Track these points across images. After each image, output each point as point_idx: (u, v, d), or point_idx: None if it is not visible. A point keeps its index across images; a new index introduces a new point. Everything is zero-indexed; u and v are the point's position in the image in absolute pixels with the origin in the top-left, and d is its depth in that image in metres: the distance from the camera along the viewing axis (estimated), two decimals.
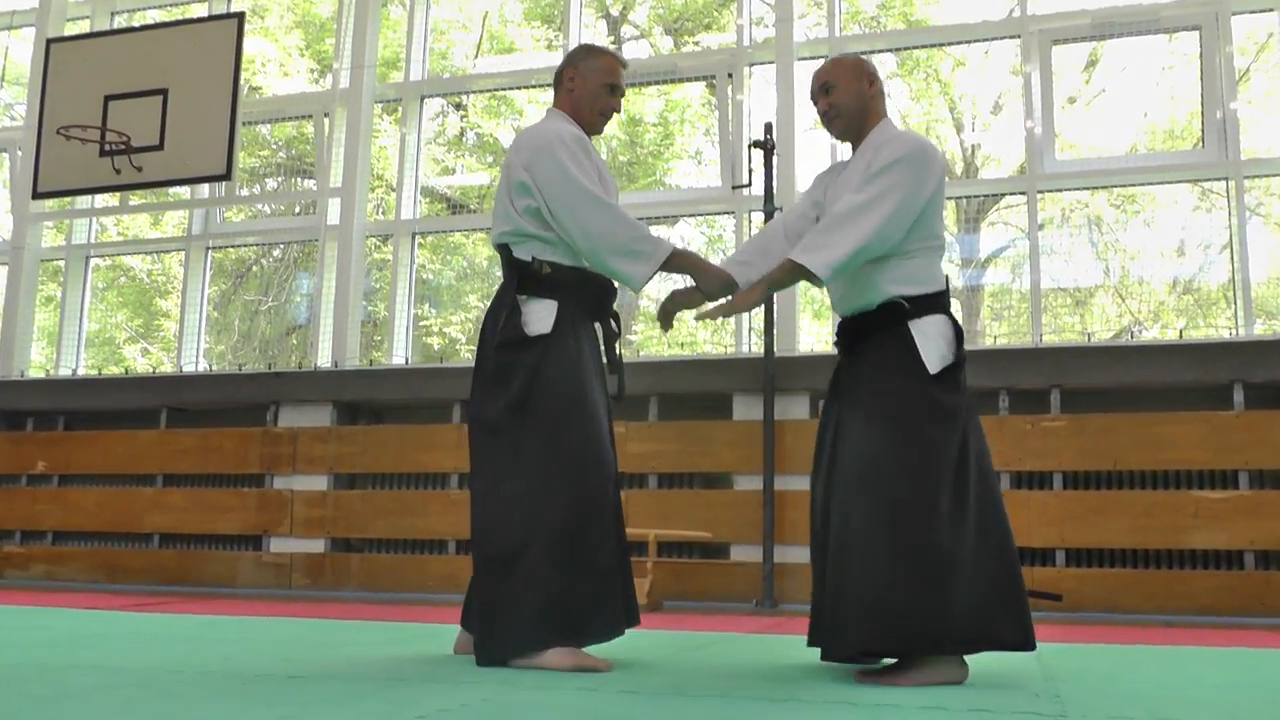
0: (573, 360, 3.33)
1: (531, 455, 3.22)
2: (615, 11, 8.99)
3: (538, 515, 3.16)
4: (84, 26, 8.96)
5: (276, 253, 8.97)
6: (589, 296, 3.46)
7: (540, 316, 3.30)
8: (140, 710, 2.30)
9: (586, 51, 3.56)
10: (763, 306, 6.68)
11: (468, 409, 3.45)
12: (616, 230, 3.26)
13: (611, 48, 3.74)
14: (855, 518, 3.02)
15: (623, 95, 3.59)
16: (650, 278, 3.31)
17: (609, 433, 3.41)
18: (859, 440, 3.14)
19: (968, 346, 6.43)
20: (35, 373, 8.57)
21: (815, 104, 3.50)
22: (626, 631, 3.28)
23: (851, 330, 3.40)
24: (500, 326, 3.31)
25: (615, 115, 3.58)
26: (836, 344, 3.54)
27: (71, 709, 2.30)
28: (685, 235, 8.37)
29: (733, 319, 7.35)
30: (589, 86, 3.48)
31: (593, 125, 3.51)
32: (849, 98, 3.39)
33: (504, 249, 3.40)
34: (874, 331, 3.28)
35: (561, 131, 3.36)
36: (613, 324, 3.60)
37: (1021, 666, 3.35)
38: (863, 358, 3.32)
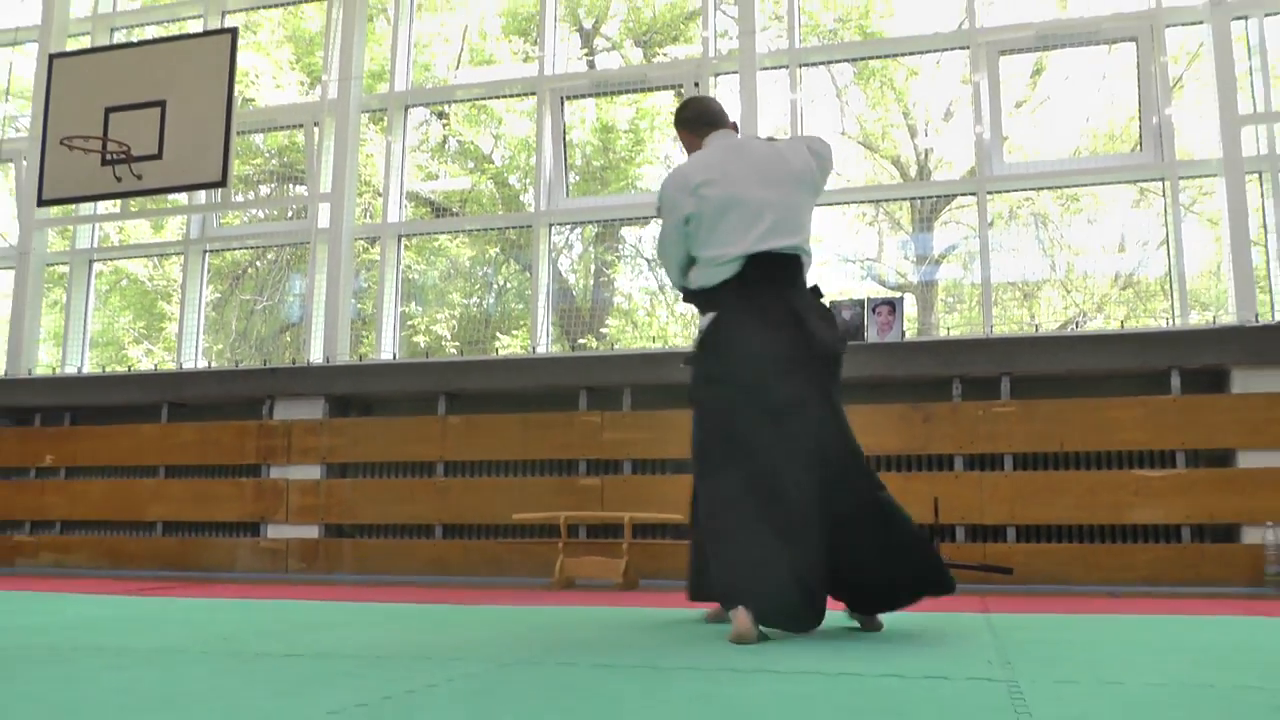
0: None
1: None
2: (588, 25, 8.96)
3: None
4: (85, 42, 8.87)
5: (270, 255, 8.91)
6: None
7: None
8: (145, 688, 2.28)
9: None
10: None
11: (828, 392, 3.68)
12: None
13: None
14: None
15: None
16: None
17: None
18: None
19: (923, 337, 6.52)
20: (42, 371, 8.50)
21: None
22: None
23: None
24: (834, 325, 3.70)
25: None
26: None
27: (81, 688, 2.29)
28: (655, 235, 8.36)
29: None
30: None
31: None
32: None
33: (796, 259, 3.67)
34: None
35: None
36: None
37: (974, 635, 3.37)
38: None
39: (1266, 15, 6.70)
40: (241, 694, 2.20)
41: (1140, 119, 6.82)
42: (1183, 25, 6.90)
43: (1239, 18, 6.71)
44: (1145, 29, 6.78)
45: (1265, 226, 6.55)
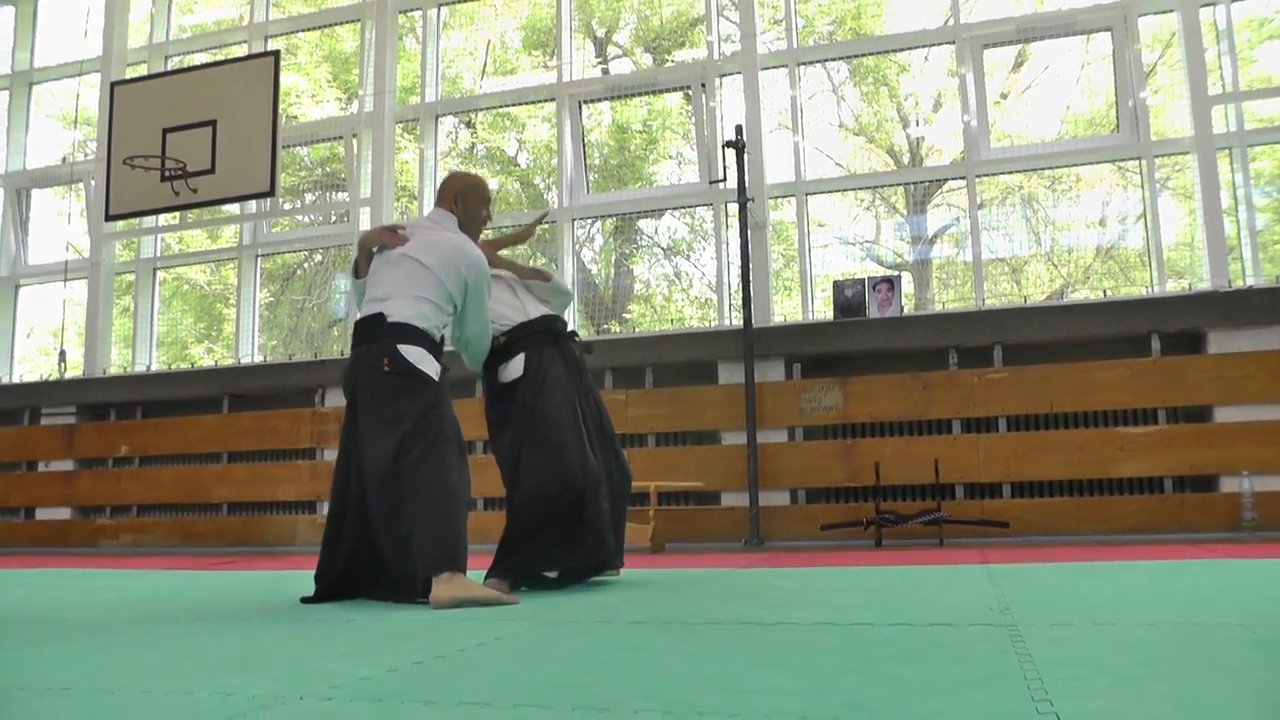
0: None
1: None
2: (601, 34, 8.93)
3: None
4: (142, 70, 8.91)
5: (317, 257, 8.94)
6: None
7: None
8: (220, 651, 2.31)
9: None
10: (740, 285, 6.68)
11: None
12: None
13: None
14: None
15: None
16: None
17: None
18: None
19: (920, 311, 6.46)
20: (115, 371, 8.57)
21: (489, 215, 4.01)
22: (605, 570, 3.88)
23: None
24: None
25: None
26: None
27: (162, 652, 2.31)
28: (671, 225, 8.35)
29: (715, 296, 7.36)
30: None
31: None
32: None
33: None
34: None
35: None
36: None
37: (976, 585, 3.37)
38: None
39: (1233, 1, 6.61)
40: (307, 655, 2.22)
41: (1117, 103, 6.75)
42: (1155, 14, 6.83)
43: (1207, 4, 6.62)
44: (1119, 19, 6.71)
45: (1235, 198, 6.48)
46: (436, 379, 3.55)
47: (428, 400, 3.49)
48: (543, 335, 3.98)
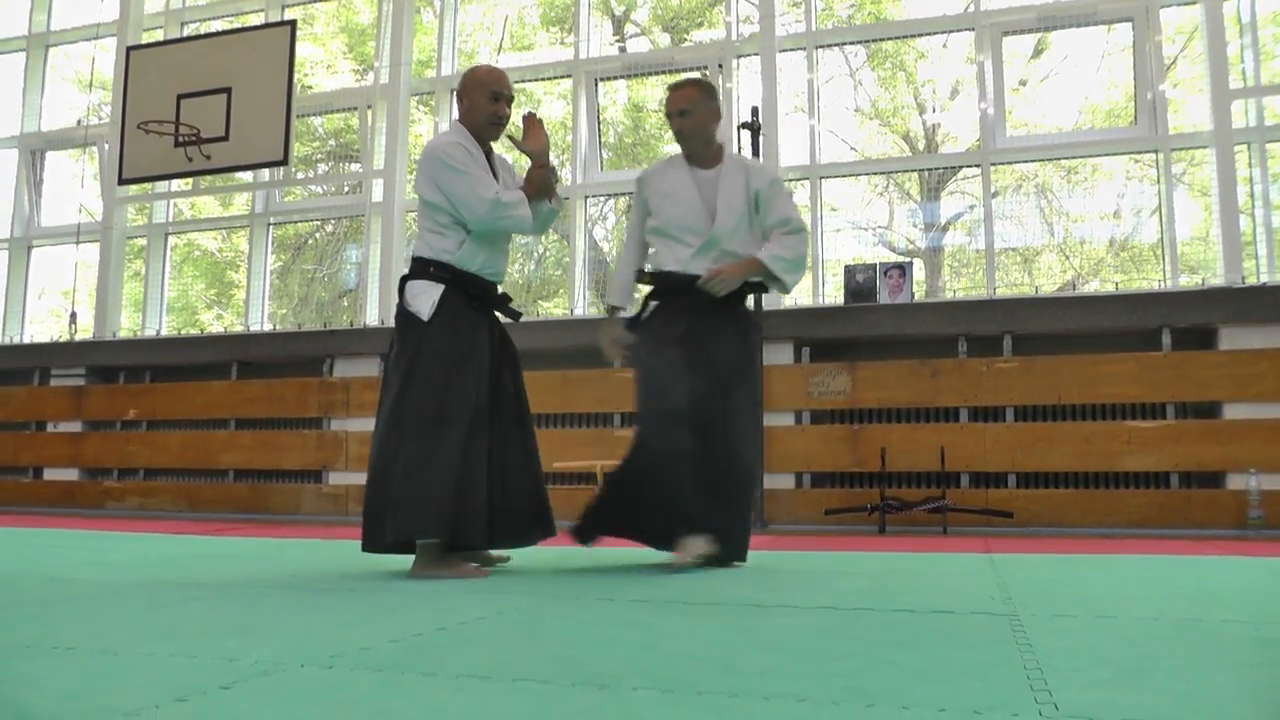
0: None
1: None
2: (619, 12, 8.87)
3: None
4: (158, 35, 8.89)
5: (329, 227, 8.93)
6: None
7: None
8: (223, 617, 2.32)
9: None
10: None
11: None
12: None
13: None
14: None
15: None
16: None
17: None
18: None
19: (931, 299, 6.42)
20: (125, 334, 8.59)
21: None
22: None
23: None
24: None
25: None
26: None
27: (166, 616, 2.32)
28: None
29: None
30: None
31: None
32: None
33: None
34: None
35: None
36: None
37: (978, 574, 3.37)
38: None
39: None
40: (309, 623, 2.23)
41: (1136, 96, 6.69)
42: (1177, 5, 6.76)
43: None
44: (1141, 10, 6.65)
45: (1253, 195, 6.43)
46: (427, 318, 3.38)
47: (412, 347, 3.41)
48: (681, 293, 3.67)
